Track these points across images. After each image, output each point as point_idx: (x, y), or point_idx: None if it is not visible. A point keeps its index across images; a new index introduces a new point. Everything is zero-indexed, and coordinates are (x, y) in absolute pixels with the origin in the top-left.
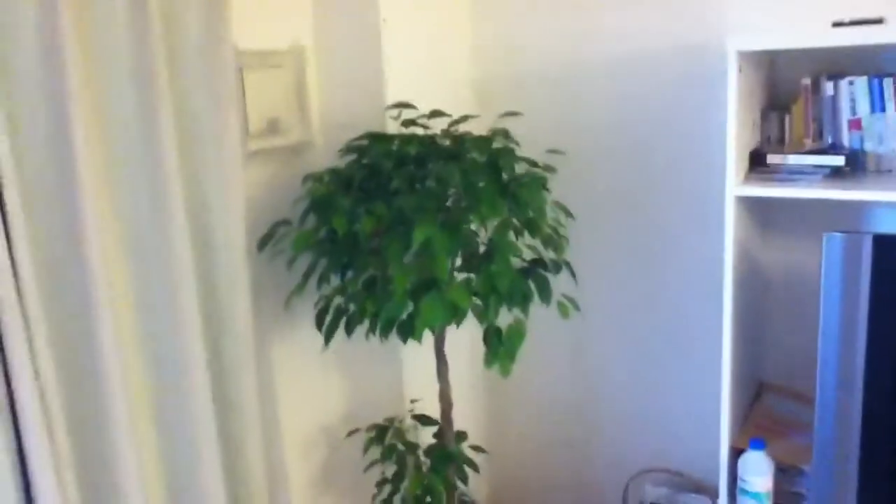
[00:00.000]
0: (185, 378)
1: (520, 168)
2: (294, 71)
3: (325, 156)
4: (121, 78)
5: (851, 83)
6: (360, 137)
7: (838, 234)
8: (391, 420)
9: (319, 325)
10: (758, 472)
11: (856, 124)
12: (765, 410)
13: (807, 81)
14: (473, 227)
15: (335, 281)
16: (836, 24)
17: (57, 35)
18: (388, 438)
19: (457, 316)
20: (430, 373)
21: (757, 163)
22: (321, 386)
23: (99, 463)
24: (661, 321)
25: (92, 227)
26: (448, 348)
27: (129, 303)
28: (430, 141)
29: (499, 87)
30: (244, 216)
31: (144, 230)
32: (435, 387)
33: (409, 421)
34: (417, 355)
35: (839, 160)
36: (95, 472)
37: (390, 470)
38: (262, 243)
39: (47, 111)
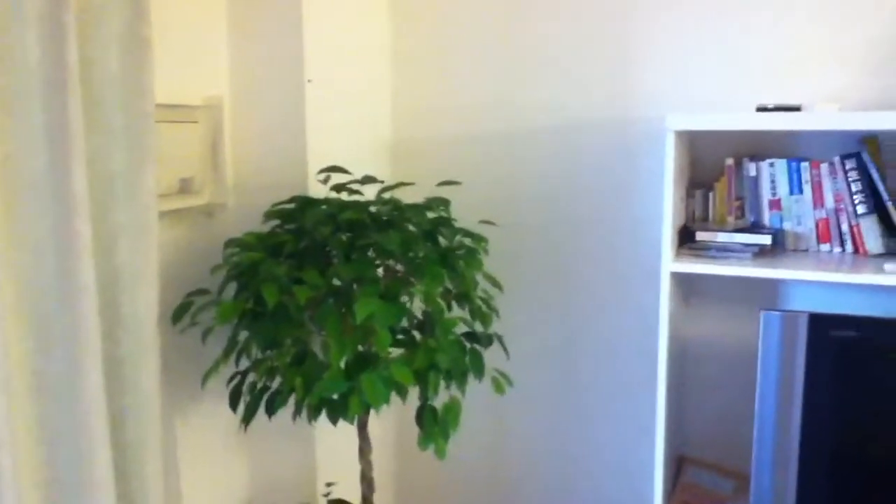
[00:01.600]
0: (85, 467)
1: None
2: (209, 127)
3: (240, 219)
4: (32, 128)
5: (772, 165)
6: (287, 201)
7: (776, 312)
8: None
9: (234, 404)
10: None
11: (776, 204)
12: (689, 485)
13: (730, 161)
14: (404, 298)
15: (255, 355)
16: (760, 109)
17: None
18: None
19: (398, 394)
20: (345, 451)
21: (686, 239)
22: (227, 468)
23: None
24: (587, 394)
25: None
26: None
27: (24, 379)
28: (365, 208)
29: (421, 150)
30: (157, 282)
31: (47, 297)
32: (349, 467)
33: None
34: (331, 433)
35: (766, 239)
36: None
37: None
38: (178, 314)
39: None
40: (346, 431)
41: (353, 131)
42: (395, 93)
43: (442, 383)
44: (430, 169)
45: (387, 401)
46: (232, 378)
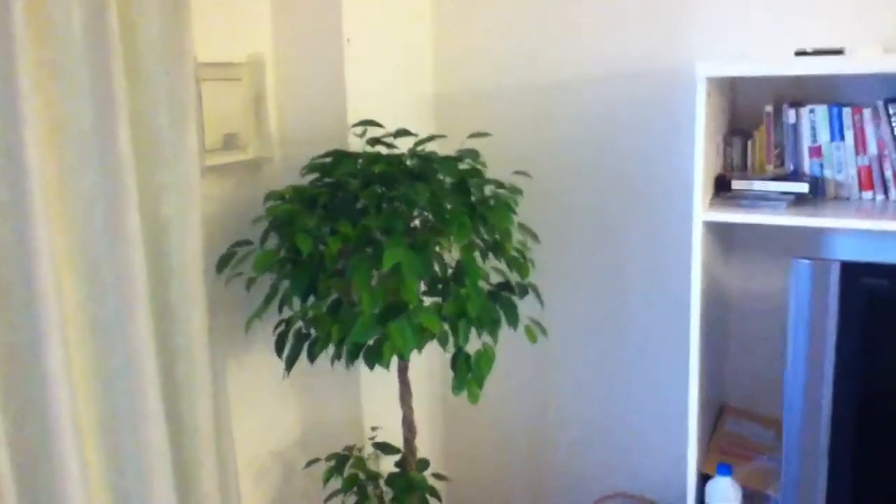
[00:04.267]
0: (138, 402)
1: (487, 189)
2: (252, 84)
3: (284, 172)
4: (78, 90)
5: (812, 111)
6: (324, 155)
7: (806, 260)
8: (350, 449)
9: (279, 350)
10: (725, 498)
11: (816, 151)
12: (727, 434)
13: (769, 108)
14: (437, 249)
15: (297, 304)
16: (799, 53)
17: (11, 44)
18: (349, 468)
19: (426, 341)
20: (389, 399)
21: (721, 188)
22: (277, 412)
23: (45, 487)
24: (625, 344)
25: (42, 245)
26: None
27: (80, 324)
28: (396, 160)
29: (461, 105)
30: (202, 236)
31: (98, 249)
32: (394, 413)
33: (369, 449)
34: (376, 381)
35: (803, 187)
36: (41, 498)
37: (350, 501)
38: (222, 264)
39: None
40: (391, 378)
41: (393, 87)
42: (436, 48)
43: (474, 331)
44: (473, 123)
45: (416, 346)
46: (277, 325)
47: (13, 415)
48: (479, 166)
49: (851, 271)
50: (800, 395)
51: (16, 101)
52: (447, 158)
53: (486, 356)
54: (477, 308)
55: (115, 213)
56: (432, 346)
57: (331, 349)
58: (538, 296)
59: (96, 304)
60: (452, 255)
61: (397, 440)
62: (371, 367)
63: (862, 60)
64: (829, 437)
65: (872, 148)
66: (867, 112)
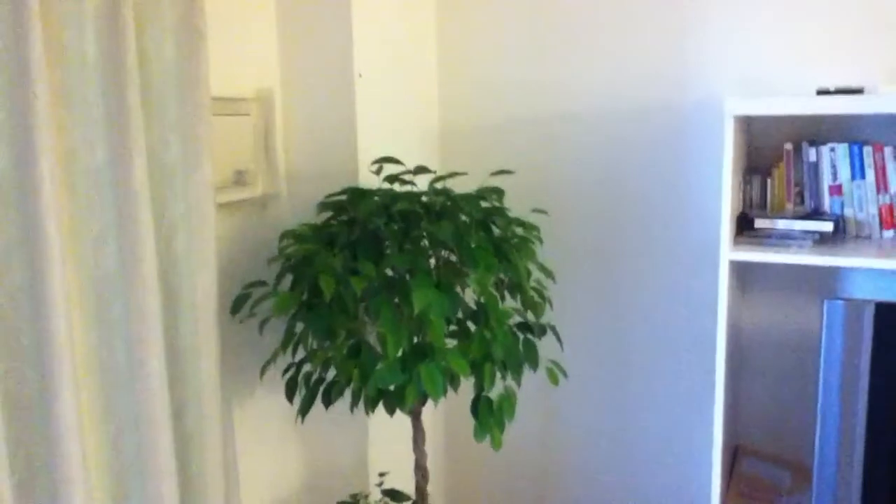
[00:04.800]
0: (148, 455)
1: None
2: (261, 119)
3: (291, 210)
4: (93, 121)
5: (833, 150)
6: (340, 193)
7: (839, 301)
8: (356, 496)
9: (290, 394)
10: None
11: (836, 190)
12: (745, 475)
13: (789, 146)
14: (470, 290)
15: (311, 346)
16: (821, 92)
17: (26, 76)
18: None
19: (454, 385)
20: (396, 443)
21: (744, 226)
22: (282, 457)
23: None
24: (640, 384)
25: (55, 284)
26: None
27: (89, 364)
28: (416, 198)
29: (467, 139)
30: (216, 272)
31: (111, 291)
32: (401, 458)
33: (377, 496)
34: (383, 424)
35: (828, 226)
36: None
37: None
38: (237, 306)
39: (9, 155)
40: (399, 421)
41: (401, 121)
42: (443, 82)
43: (497, 374)
44: (480, 156)
45: (445, 391)
46: (287, 369)
47: (21, 467)
48: (499, 204)
49: (886, 312)
50: (834, 436)
51: (29, 129)
52: (468, 196)
53: (509, 400)
54: (503, 350)
55: (129, 251)
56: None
57: (347, 395)
58: (557, 336)
59: (107, 350)
60: (468, 295)
61: (404, 485)
62: (391, 413)
63: (884, 100)
64: (861, 483)
65: (894, 186)
66: (888, 150)
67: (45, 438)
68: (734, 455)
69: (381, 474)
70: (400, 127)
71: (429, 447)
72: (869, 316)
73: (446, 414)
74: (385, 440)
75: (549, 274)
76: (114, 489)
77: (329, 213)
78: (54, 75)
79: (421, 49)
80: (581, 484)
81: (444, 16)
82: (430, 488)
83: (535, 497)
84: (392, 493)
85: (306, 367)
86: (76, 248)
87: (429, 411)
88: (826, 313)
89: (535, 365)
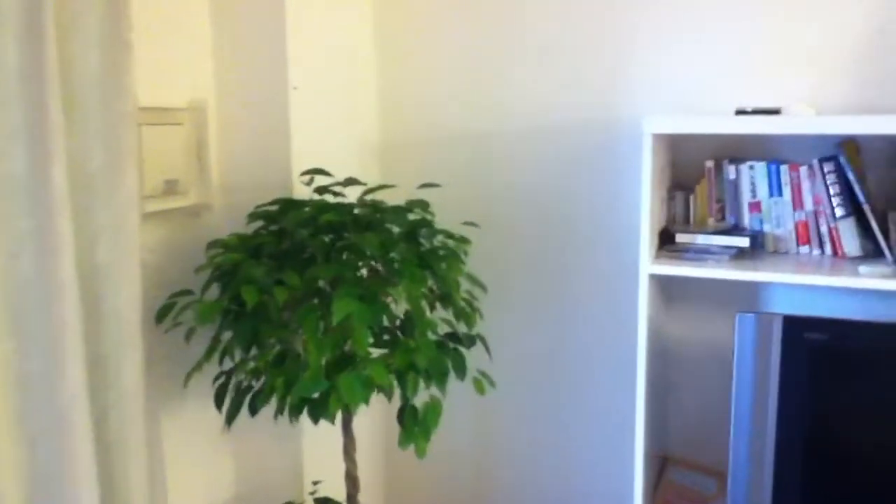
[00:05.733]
0: (67, 463)
1: (436, 240)
2: (194, 129)
3: (225, 220)
4: (11, 127)
5: (752, 167)
6: (271, 203)
7: (750, 314)
8: None
9: (219, 403)
10: None
11: (756, 206)
12: (671, 484)
13: (710, 164)
14: (393, 300)
15: (238, 355)
16: (740, 112)
17: None
18: None
19: (374, 393)
20: (331, 452)
21: (666, 240)
22: (214, 466)
23: None
24: (570, 393)
25: None
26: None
27: (4, 376)
28: (346, 210)
29: (406, 154)
30: (140, 281)
31: (27, 298)
32: (336, 466)
33: None
34: (317, 432)
35: (745, 241)
36: None
37: None
38: (161, 315)
39: None
40: (333, 430)
41: (338, 134)
42: (381, 95)
43: (422, 383)
44: (418, 171)
45: (364, 400)
46: (217, 377)
47: None
48: (428, 216)
49: (793, 325)
50: (745, 445)
51: None
52: (396, 208)
53: (434, 409)
54: (426, 360)
55: (47, 259)
56: (376, 398)
57: (273, 402)
58: (486, 347)
59: (23, 358)
60: (400, 306)
61: (339, 494)
62: (315, 421)
63: (797, 121)
64: (772, 486)
65: (809, 204)
66: (804, 170)
67: None
68: (662, 465)
69: (315, 483)
70: (337, 140)
71: (367, 455)
72: (777, 328)
73: (386, 423)
74: (320, 449)
75: (480, 285)
76: (31, 495)
77: (260, 224)
78: None
79: (359, 63)
80: (513, 491)
81: (381, 31)
82: (368, 497)
83: (472, 499)
84: (324, 502)
85: (237, 377)
86: None
87: (368, 420)
88: (738, 325)
89: (462, 374)
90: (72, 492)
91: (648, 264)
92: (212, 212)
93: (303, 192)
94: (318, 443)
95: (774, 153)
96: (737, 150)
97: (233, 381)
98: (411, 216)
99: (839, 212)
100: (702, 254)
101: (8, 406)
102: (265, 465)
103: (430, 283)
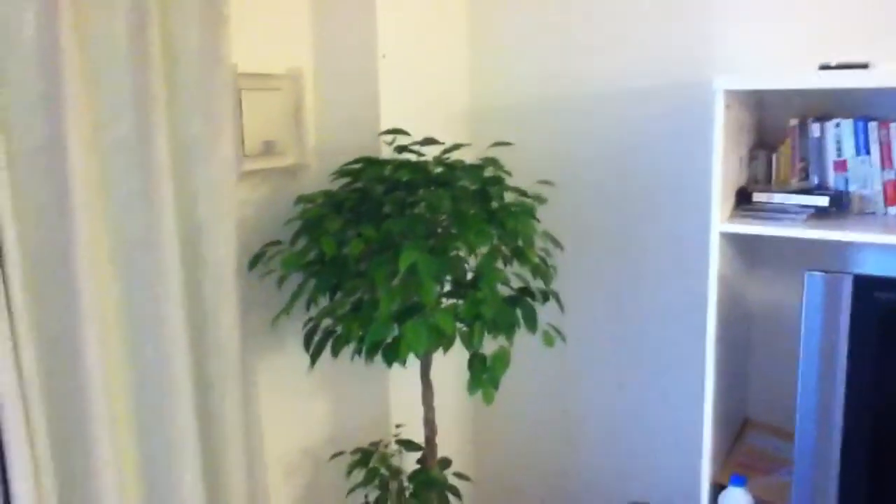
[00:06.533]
0: (169, 392)
1: (510, 197)
2: (292, 94)
3: (320, 179)
4: (119, 98)
5: (837, 125)
6: (354, 161)
7: (819, 273)
8: (376, 444)
9: (307, 345)
10: None
11: (841, 166)
12: (748, 447)
13: (794, 122)
14: (462, 254)
15: (323, 302)
16: (823, 67)
17: (56, 52)
18: (372, 463)
19: (441, 341)
20: (416, 398)
21: (743, 200)
22: (306, 407)
23: (79, 475)
24: (644, 354)
25: (82, 242)
26: (435, 374)
27: (116, 317)
28: (422, 167)
29: (492, 118)
30: (235, 235)
31: (135, 245)
32: (421, 412)
33: (393, 446)
34: (404, 380)
35: (823, 200)
36: (75, 484)
37: (373, 494)
38: (253, 262)
39: (43, 126)
40: (417, 377)
41: (427, 100)
42: (471, 63)
43: (490, 334)
44: (504, 135)
45: (429, 346)
46: (306, 323)
47: (51, 403)
48: (501, 174)
49: (863, 284)
50: (812, 409)
51: (61, 103)
52: (470, 166)
53: (501, 358)
54: (492, 311)
55: (151, 215)
56: (459, 350)
57: (352, 345)
58: (559, 302)
59: (132, 302)
60: (474, 261)
61: (422, 438)
62: (389, 364)
63: (887, 74)
64: (840, 449)
65: None
66: (894, 126)
67: (74, 376)
68: (742, 428)
69: (398, 426)
70: (427, 105)
71: (451, 404)
72: (847, 287)
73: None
74: (405, 395)
75: (556, 242)
76: (137, 425)
77: (346, 180)
78: (85, 51)
79: (451, 33)
80: (585, 444)
81: (473, 5)
82: (450, 442)
83: (545, 454)
84: (405, 443)
85: (327, 322)
86: (105, 211)
87: (450, 370)
88: (806, 285)
89: (533, 327)
90: (173, 419)
91: (719, 223)
92: (307, 172)
93: (389, 153)
94: (404, 389)
95: (862, 110)
96: (824, 108)
97: (321, 326)
98: (486, 174)
99: None
100: (777, 213)
101: (121, 343)
102: (355, 409)
103: (500, 239)
